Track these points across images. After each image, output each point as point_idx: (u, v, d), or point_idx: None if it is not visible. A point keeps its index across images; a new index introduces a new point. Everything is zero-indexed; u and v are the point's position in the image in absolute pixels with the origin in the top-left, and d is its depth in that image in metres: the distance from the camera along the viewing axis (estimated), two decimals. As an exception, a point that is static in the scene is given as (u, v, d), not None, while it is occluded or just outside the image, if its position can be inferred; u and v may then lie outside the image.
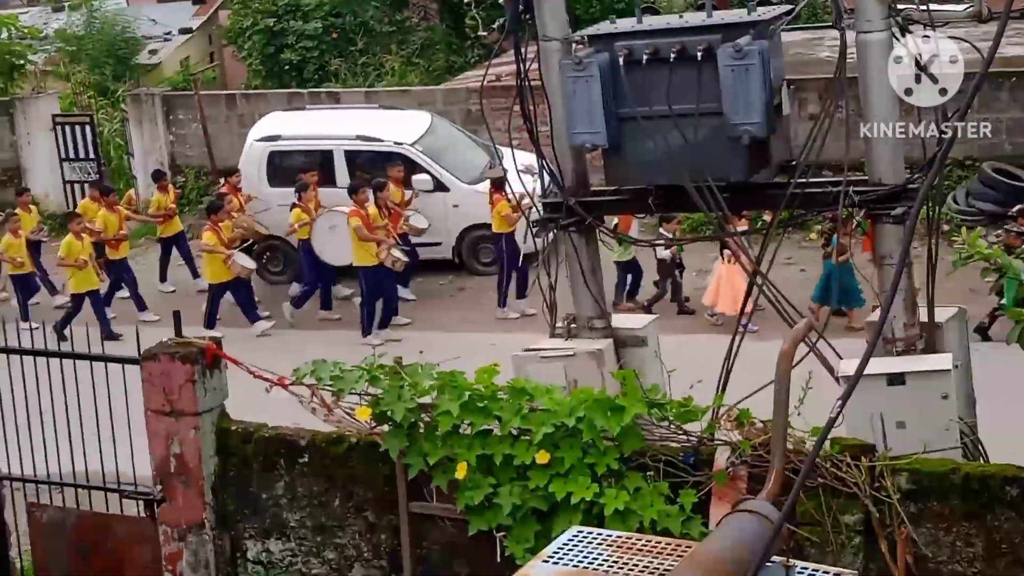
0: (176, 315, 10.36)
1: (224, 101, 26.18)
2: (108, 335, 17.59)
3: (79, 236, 18.81)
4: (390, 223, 18.67)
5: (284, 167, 21.12)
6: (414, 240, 19.59)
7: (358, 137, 21.12)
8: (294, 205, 19.35)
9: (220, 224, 18.85)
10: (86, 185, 23.66)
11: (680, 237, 18.22)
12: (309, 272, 19.25)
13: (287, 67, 31.38)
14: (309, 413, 9.55)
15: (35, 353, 10.34)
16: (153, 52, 37.50)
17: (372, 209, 18.54)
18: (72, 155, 25.46)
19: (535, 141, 10.10)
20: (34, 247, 20.65)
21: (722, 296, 17.53)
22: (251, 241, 19.96)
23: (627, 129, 9.52)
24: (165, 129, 25.83)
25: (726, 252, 16.36)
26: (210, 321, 18.55)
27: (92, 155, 25.27)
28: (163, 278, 21.26)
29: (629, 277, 18.78)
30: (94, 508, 10.54)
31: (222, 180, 21.38)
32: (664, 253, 18.01)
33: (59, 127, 25.59)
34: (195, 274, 20.83)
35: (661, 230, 18.33)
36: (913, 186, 9.24)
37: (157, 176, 21.97)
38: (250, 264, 19.05)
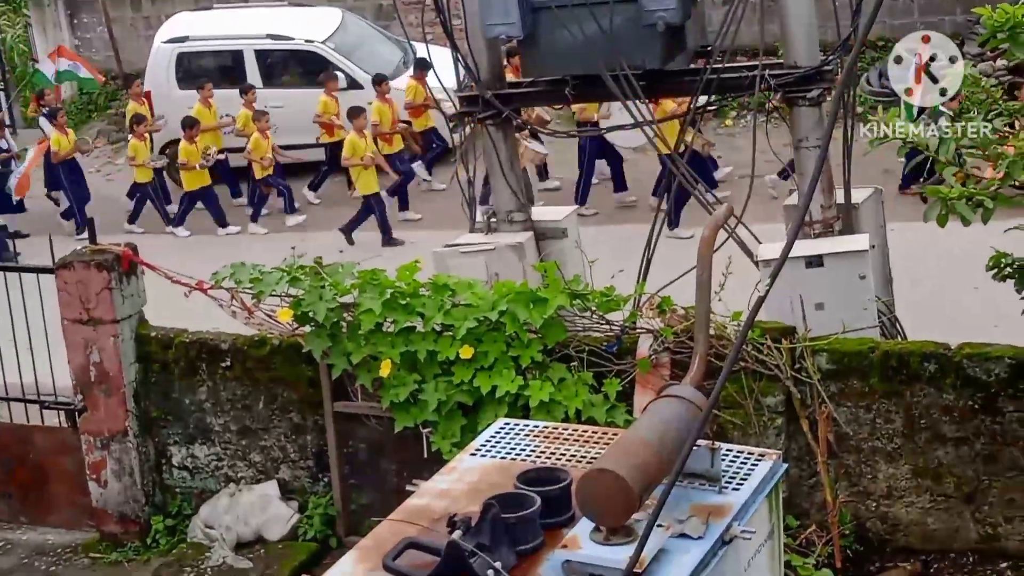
0: (90, 221, 10.21)
1: (129, 3, 25.55)
2: (388, 241, 16.83)
3: (361, 134, 17.35)
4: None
5: (193, 69, 20.72)
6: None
7: (268, 36, 20.75)
8: None
9: None
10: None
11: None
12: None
13: (193, -34, 30.67)
14: (230, 317, 9.48)
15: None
16: (53, -46, 36.49)
17: None
18: (-26, 62, 24.85)
19: (449, 34, 9.99)
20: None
21: None
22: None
23: (542, 19, 9.43)
24: (70, 33, 25.22)
25: None
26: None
27: (-4, 62, 24.68)
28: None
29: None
30: (14, 420, 10.43)
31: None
32: None
33: (-41, 34, 24.96)
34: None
35: None
36: (828, 68, 9.24)
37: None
38: (543, 150, 17.81)
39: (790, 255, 8.62)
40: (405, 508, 5.16)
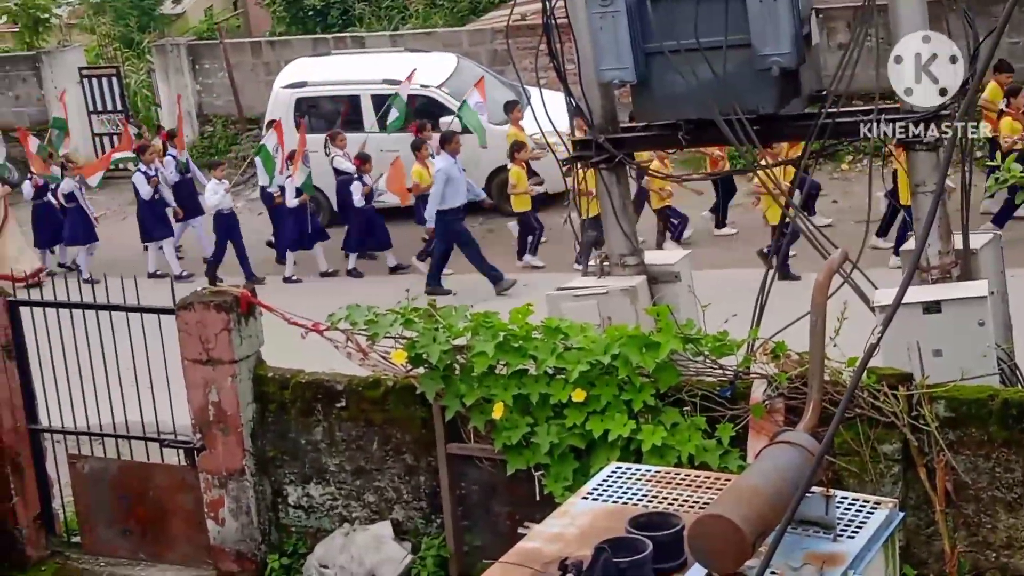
0: (210, 263, 10.40)
1: (249, 49, 26.14)
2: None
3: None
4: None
5: (311, 113, 21.09)
6: None
7: (384, 81, 21.07)
8: None
9: None
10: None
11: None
12: None
13: (311, 12, 31.23)
14: (345, 358, 9.59)
15: (71, 306, 10.40)
16: (177, 2, 37.44)
17: None
18: (100, 107, 25.52)
19: (563, 79, 10.05)
20: None
21: None
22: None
23: (655, 64, 9.45)
24: (191, 79, 25.84)
25: None
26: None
27: (120, 107, 25.32)
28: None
29: None
30: (135, 458, 10.63)
31: None
32: None
33: (86, 80, 25.63)
34: None
35: None
36: (945, 112, 9.14)
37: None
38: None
39: (908, 301, 8.61)
40: (517, 551, 5.19)
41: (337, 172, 19.57)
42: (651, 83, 9.53)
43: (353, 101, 21.06)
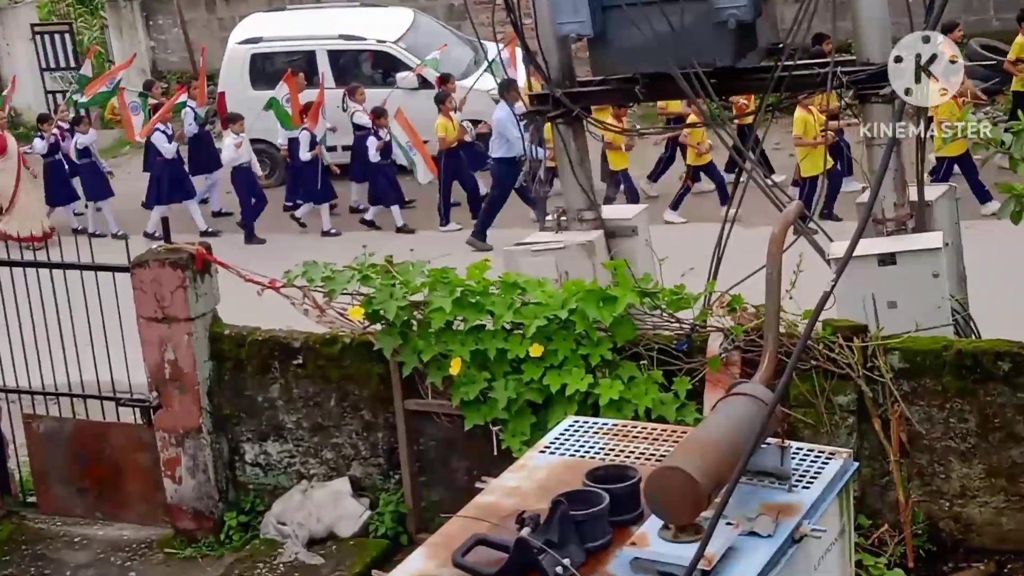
0: (164, 221, 10.34)
1: (204, 4, 25.88)
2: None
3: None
4: None
5: (266, 69, 20.92)
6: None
7: (340, 36, 20.93)
8: None
9: None
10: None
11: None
12: None
13: (266, -33, 30.86)
14: (301, 315, 9.55)
15: (24, 264, 10.32)
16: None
17: None
18: (53, 64, 25.21)
19: (520, 33, 10.02)
20: None
21: None
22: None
23: (612, 17, 9.43)
24: (145, 35, 25.57)
25: None
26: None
27: (73, 64, 25.02)
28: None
29: None
30: (91, 417, 10.57)
31: None
32: None
33: (38, 36, 25.32)
34: None
35: None
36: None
37: None
38: None
39: (863, 253, 8.64)
40: (474, 505, 5.18)
41: (356, 127, 19.33)
42: (608, 37, 9.51)
43: (309, 57, 20.91)
